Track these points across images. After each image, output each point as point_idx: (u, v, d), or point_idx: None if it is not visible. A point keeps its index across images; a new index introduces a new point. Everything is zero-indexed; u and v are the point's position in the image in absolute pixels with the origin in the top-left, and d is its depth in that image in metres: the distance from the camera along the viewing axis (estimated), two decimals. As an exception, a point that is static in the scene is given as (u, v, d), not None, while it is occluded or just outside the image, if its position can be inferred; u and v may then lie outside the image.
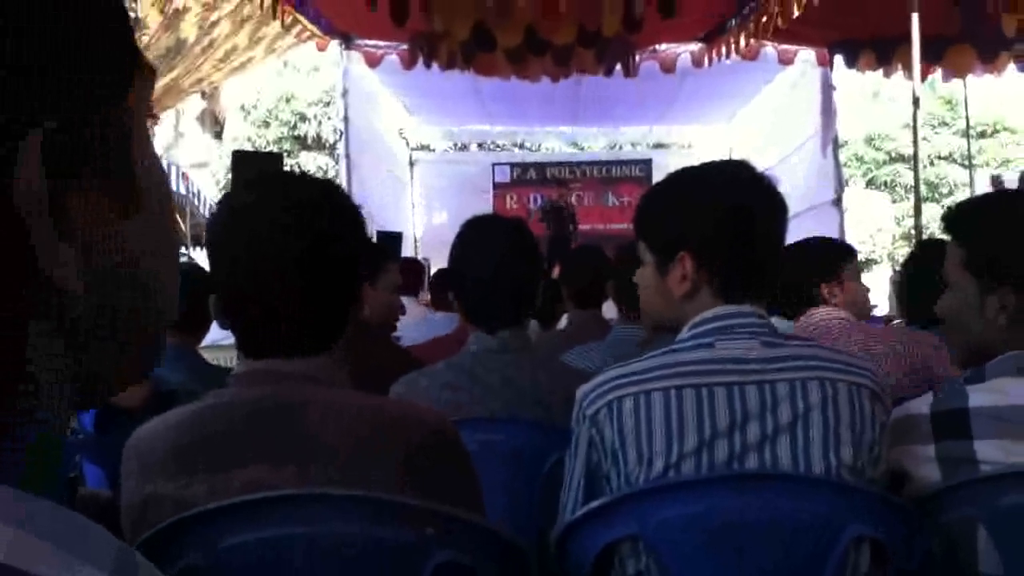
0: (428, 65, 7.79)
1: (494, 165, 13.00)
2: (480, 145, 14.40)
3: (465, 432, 1.33)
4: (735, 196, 1.28)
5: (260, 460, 1.10)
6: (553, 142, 14.77)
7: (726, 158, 1.48)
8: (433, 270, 5.06)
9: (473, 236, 1.85)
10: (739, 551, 1.16)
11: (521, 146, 14.12)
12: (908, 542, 1.18)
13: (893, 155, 19.69)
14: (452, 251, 1.87)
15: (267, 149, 17.15)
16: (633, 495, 1.16)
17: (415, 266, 4.99)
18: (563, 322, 3.38)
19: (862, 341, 2.24)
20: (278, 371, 1.16)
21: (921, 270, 2.55)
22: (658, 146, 13.18)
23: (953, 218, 1.44)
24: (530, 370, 1.81)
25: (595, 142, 13.94)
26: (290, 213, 1.15)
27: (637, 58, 8.23)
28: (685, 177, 1.36)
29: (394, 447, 1.15)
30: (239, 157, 7.10)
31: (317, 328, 1.18)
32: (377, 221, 7.87)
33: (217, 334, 2.88)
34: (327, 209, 1.19)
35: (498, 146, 14.12)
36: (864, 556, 1.18)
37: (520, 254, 1.83)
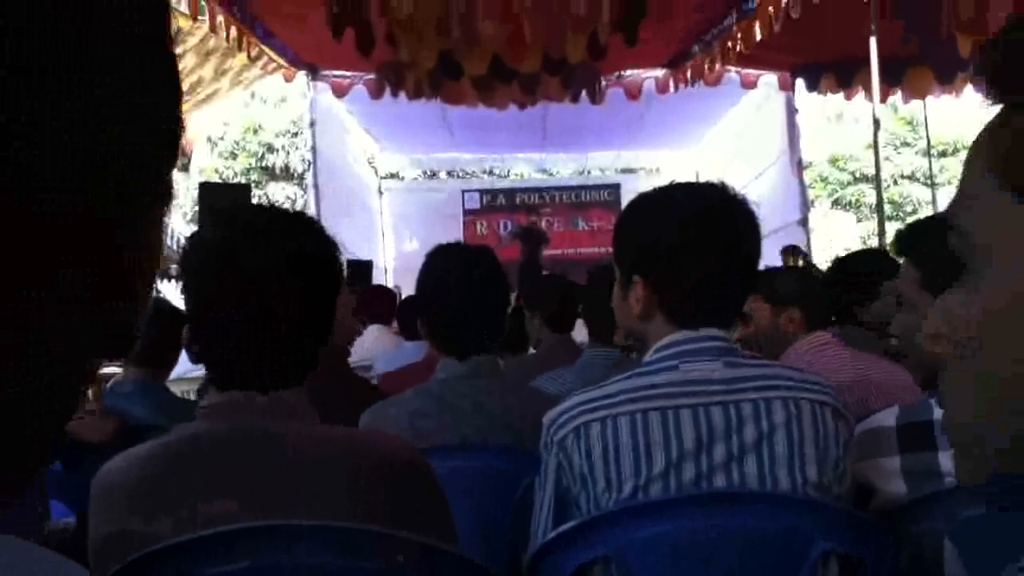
0: (395, 94, 7.83)
1: (463, 192, 13.05)
2: (449, 172, 14.44)
3: (435, 459, 1.33)
4: (690, 224, 1.28)
5: (228, 494, 1.09)
6: (522, 168, 14.85)
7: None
8: (403, 297, 5.05)
9: (440, 264, 1.86)
10: (708, 569, 1.16)
11: (490, 173, 14.16)
12: (876, 556, 1.19)
13: (857, 175, 19.99)
14: (419, 279, 1.87)
15: (235, 180, 17.09)
16: (603, 517, 1.17)
17: (386, 294, 4.98)
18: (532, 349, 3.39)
19: None
20: (247, 403, 1.15)
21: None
22: (626, 171, 13.29)
23: (907, 238, 1.46)
24: (500, 395, 1.81)
25: (564, 168, 14.03)
26: (265, 245, 1.15)
27: (603, 84, 8.33)
28: (644, 202, 1.36)
29: (363, 479, 1.14)
30: (206, 189, 7.08)
31: (291, 361, 1.18)
32: (347, 249, 7.85)
33: (183, 367, 2.85)
34: (303, 241, 1.19)
35: (467, 173, 14.16)
36: (832, 571, 1.19)
37: (487, 281, 1.83)
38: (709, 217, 1.28)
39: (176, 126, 0.38)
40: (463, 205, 12.80)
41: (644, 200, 1.36)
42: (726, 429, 1.21)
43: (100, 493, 1.12)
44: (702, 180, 1.58)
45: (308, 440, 1.15)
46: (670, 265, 1.27)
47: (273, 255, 1.14)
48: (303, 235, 1.20)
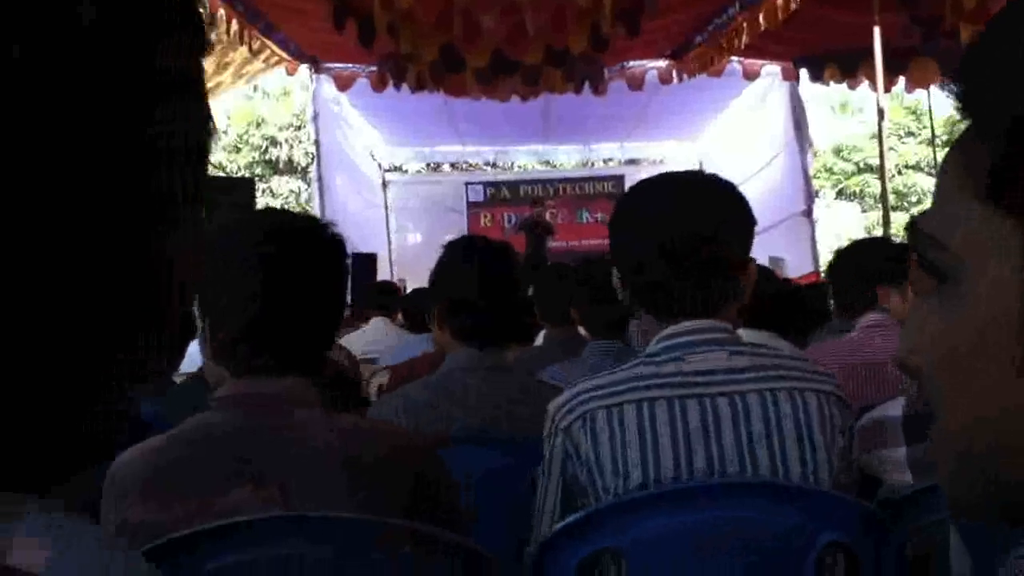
0: (398, 87, 7.82)
1: (467, 184, 13.03)
2: (453, 165, 14.43)
3: (442, 451, 1.34)
4: (666, 222, 1.28)
5: (241, 483, 1.10)
6: (525, 160, 14.83)
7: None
8: (408, 290, 5.05)
9: (459, 255, 1.88)
10: (717, 559, 1.17)
11: (494, 165, 14.16)
12: (881, 547, 1.20)
13: (861, 165, 19.96)
14: (436, 268, 1.90)
15: (239, 174, 17.09)
16: (612, 507, 1.18)
17: (391, 287, 4.98)
18: (539, 340, 3.40)
19: None
20: (260, 393, 1.17)
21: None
22: (630, 162, 13.28)
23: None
24: (506, 387, 1.82)
25: (567, 160, 14.02)
26: (281, 230, 1.21)
27: (606, 75, 8.31)
28: (626, 202, 1.38)
29: (378, 469, 1.16)
30: (210, 183, 7.06)
31: (308, 346, 1.20)
32: (351, 243, 7.86)
33: (187, 362, 2.86)
34: (317, 225, 1.26)
35: (471, 166, 14.16)
36: (839, 562, 1.19)
37: (504, 274, 1.86)
38: (690, 226, 1.28)
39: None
40: (467, 198, 12.78)
41: (625, 199, 1.40)
42: (733, 419, 1.21)
43: (113, 485, 1.13)
44: (706, 172, 1.57)
45: (323, 430, 1.16)
46: (652, 275, 1.29)
47: (289, 239, 1.19)
48: (319, 226, 1.26)
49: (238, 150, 18.96)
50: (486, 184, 13.13)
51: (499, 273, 1.84)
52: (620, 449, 1.21)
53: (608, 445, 1.22)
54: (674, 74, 8.72)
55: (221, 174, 15.22)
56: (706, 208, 1.29)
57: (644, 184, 1.38)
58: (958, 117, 0.46)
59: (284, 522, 1.04)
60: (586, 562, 1.17)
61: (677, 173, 1.44)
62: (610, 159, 13.61)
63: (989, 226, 0.43)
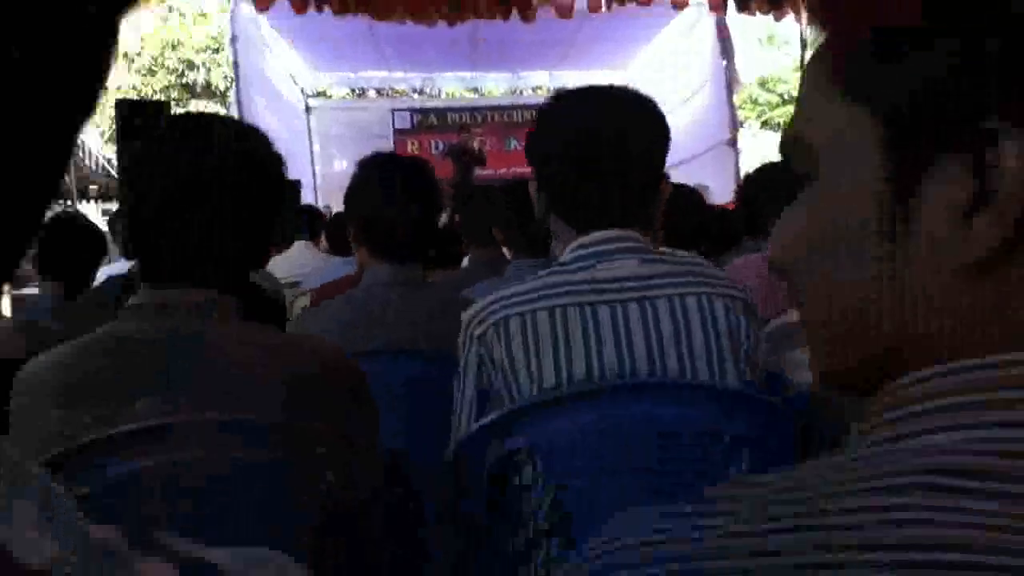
0: (320, 9, 7.58)
1: (393, 111, 12.80)
2: (379, 91, 14.11)
3: (363, 366, 1.34)
4: (579, 128, 1.28)
5: (151, 391, 1.09)
6: (453, 88, 14.59)
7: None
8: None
9: (371, 170, 1.87)
10: (628, 458, 1.21)
11: (421, 92, 13.89)
12: (784, 442, 1.25)
13: (786, 97, 20.23)
14: (351, 184, 1.88)
15: (154, 98, 16.46)
16: (525, 408, 1.20)
17: (314, 212, 4.91)
18: (465, 263, 3.40)
19: None
20: (174, 302, 1.14)
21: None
22: (559, 90, 13.17)
23: None
24: (426, 302, 1.83)
25: (496, 87, 13.84)
26: (211, 136, 1.16)
27: (534, 2, 8.19)
28: (543, 107, 1.37)
29: (288, 377, 1.15)
30: (124, 106, 6.79)
31: (229, 258, 1.17)
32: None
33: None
34: (251, 135, 1.22)
35: (397, 92, 13.86)
36: (744, 457, 1.25)
37: (418, 187, 1.85)
38: (596, 126, 1.29)
39: None
40: (393, 125, 12.56)
41: (538, 111, 1.39)
42: (643, 323, 1.24)
43: (21, 391, 1.11)
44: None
45: (238, 342, 1.15)
46: (559, 175, 1.29)
47: (224, 154, 1.15)
48: (254, 139, 1.21)
49: (153, 73, 18.22)
50: (413, 111, 12.91)
51: (414, 188, 1.83)
52: (533, 354, 1.23)
53: (522, 351, 1.24)
54: (603, 2, 8.64)
55: (135, 97, 14.63)
56: (615, 113, 1.29)
57: (564, 91, 1.39)
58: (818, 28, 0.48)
59: (188, 428, 1.04)
60: (502, 462, 1.20)
61: (599, 85, 1.44)
62: (539, 87, 13.49)
63: (848, 124, 0.44)
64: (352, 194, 1.88)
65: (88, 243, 2.63)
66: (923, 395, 0.42)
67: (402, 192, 1.81)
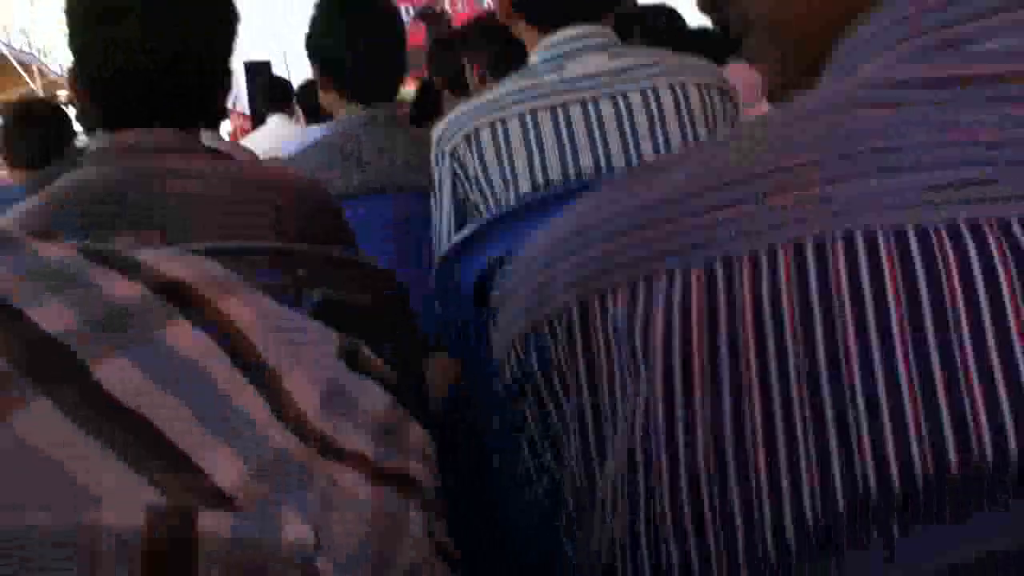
0: None
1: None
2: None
3: (344, 207, 1.32)
4: None
5: (120, 232, 1.07)
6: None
7: None
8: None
9: (330, 10, 1.81)
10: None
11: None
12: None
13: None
14: (310, 28, 1.82)
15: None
16: (503, 216, 1.19)
17: (283, 83, 4.78)
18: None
19: None
20: (136, 144, 1.11)
21: None
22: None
23: None
24: (403, 140, 1.80)
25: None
26: None
27: None
28: None
29: (262, 207, 1.14)
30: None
31: (188, 98, 1.14)
32: (242, 51, 7.47)
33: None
34: None
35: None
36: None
37: (378, 18, 1.79)
38: None
39: None
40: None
41: None
42: (617, 119, 1.21)
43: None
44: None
45: (201, 174, 1.12)
46: None
47: None
48: None
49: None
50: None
51: (372, 23, 1.77)
52: (507, 162, 1.21)
53: (495, 160, 1.22)
54: None
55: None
56: None
57: None
58: None
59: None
60: (483, 272, 1.20)
61: None
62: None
63: None
64: (311, 38, 1.82)
65: (56, 127, 2.58)
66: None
67: (363, 27, 1.75)
